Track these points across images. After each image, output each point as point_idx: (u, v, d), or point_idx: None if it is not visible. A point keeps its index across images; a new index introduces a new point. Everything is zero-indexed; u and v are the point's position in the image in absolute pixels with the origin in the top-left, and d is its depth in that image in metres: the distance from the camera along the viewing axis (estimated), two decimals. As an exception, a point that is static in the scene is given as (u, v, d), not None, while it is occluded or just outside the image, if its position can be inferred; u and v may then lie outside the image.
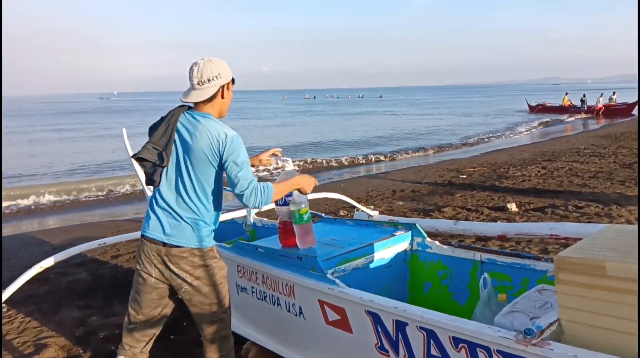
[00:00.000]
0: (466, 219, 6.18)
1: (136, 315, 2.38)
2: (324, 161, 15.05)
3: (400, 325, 2.07)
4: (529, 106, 34.64)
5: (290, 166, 2.77)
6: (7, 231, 7.91)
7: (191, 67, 2.24)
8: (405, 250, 3.03)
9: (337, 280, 2.35)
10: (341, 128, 28.14)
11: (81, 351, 3.38)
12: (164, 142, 2.22)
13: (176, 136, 2.24)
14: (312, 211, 2.85)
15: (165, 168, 2.25)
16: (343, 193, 4.82)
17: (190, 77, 2.24)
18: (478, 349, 1.80)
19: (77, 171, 14.40)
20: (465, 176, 9.98)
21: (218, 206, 2.35)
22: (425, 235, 3.00)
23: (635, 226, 2.61)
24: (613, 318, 1.61)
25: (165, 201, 2.27)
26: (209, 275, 2.31)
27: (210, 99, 2.25)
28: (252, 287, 2.90)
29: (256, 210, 3.70)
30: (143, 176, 4.45)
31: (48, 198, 10.42)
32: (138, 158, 2.24)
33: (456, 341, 1.87)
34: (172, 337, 3.46)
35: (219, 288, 2.35)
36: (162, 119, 2.29)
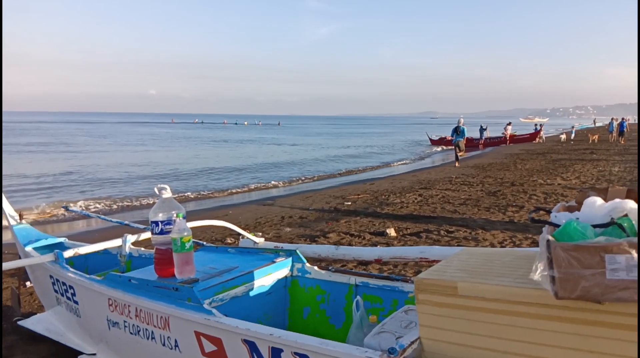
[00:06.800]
0: (349, 244, 6.40)
1: None
2: (211, 189, 14.82)
3: (276, 352, 2.08)
4: (431, 139, 36.83)
5: (168, 193, 2.70)
6: None
7: None
8: (285, 276, 3.06)
9: (214, 310, 2.31)
10: (233, 155, 27.90)
11: None
12: None
13: None
14: (194, 240, 2.78)
15: None
16: (232, 220, 4.77)
17: None
18: (348, 371, 1.86)
19: None
20: (350, 203, 10.34)
21: None
22: (305, 261, 3.06)
23: (487, 249, 2.88)
24: (467, 335, 1.73)
25: None
26: None
27: None
28: (125, 321, 2.75)
29: (133, 239, 3.53)
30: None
31: None
32: None
33: (328, 364, 1.92)
34: None
35: None
36: None
